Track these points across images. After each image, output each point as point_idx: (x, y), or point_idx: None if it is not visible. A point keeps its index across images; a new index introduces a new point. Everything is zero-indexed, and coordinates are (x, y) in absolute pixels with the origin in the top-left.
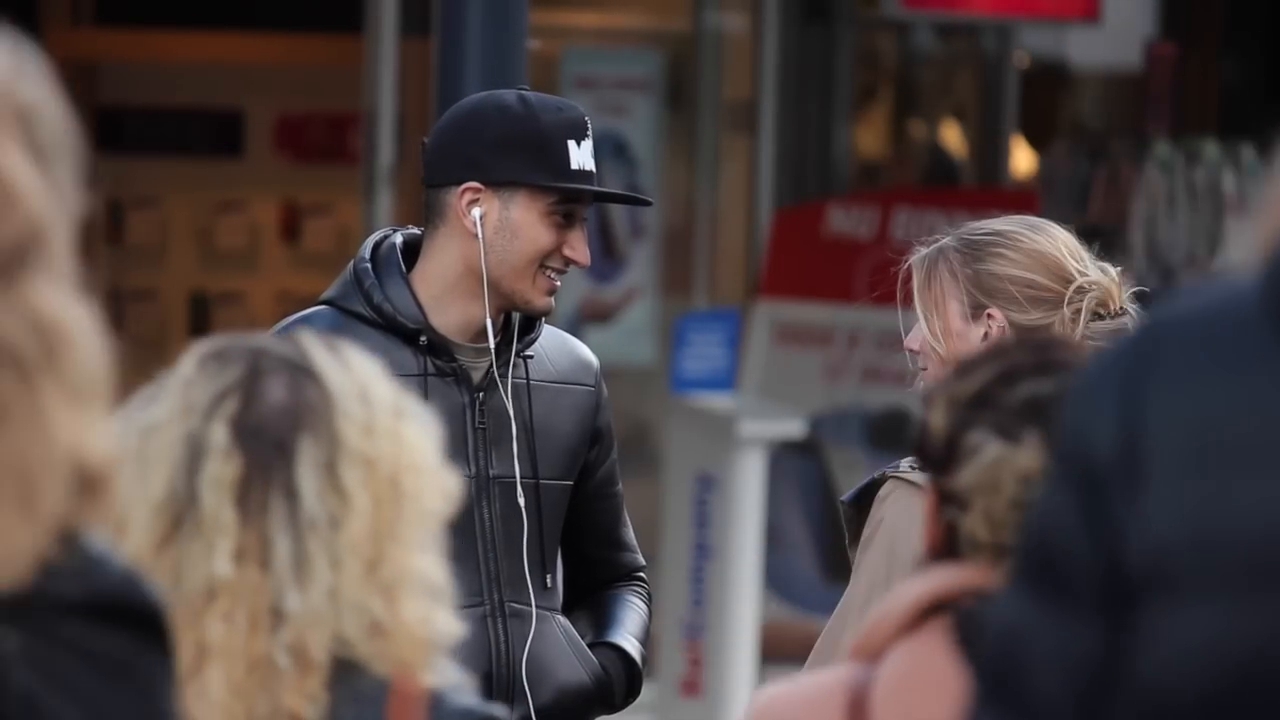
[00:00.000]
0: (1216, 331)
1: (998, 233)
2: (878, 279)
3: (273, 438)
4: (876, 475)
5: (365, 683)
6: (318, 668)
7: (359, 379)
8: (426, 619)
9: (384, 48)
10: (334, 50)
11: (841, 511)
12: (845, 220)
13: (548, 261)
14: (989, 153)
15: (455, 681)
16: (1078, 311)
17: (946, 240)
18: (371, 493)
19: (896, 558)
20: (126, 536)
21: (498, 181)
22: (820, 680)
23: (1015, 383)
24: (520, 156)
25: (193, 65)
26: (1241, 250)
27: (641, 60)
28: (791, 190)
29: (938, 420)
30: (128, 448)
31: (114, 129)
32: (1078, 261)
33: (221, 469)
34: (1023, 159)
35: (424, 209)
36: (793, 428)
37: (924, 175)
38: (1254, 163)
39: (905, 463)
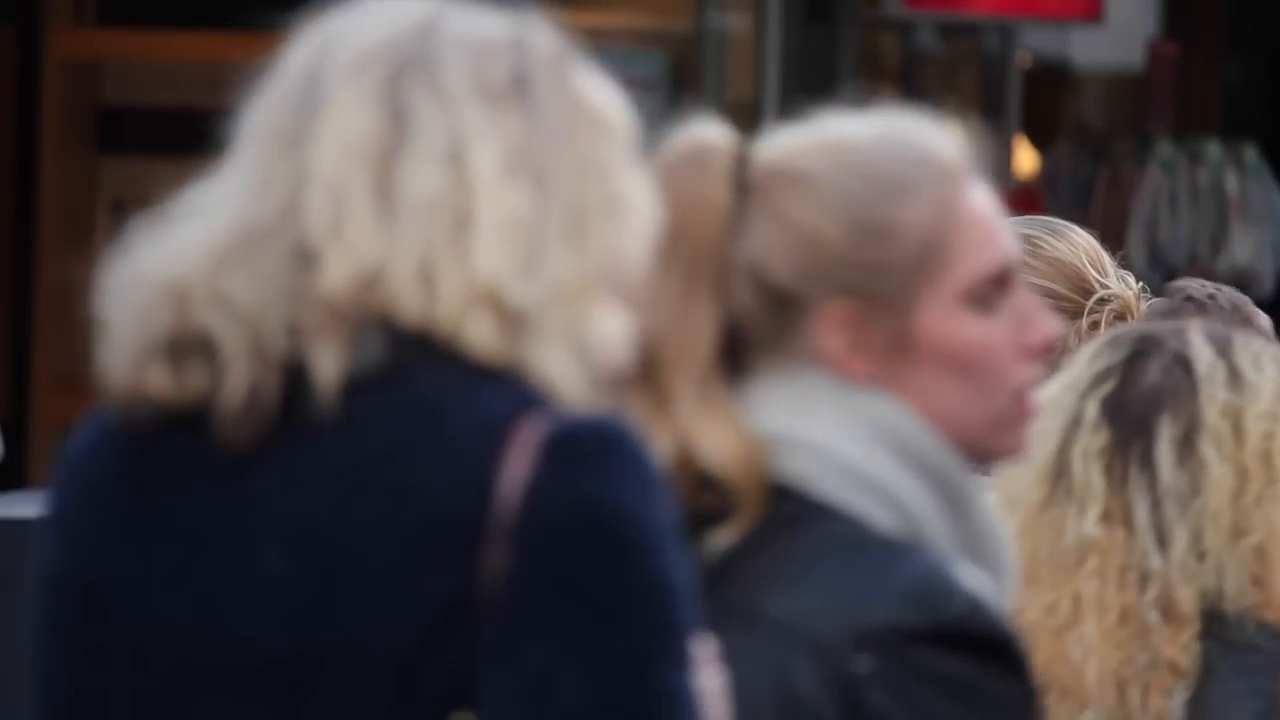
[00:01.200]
0: None
1: (1019, 235)
2: None
3: (1136, 415)
4: None
5: (1246, 632)
6: (1189, 621)
7: (1235, 364)
8: None
9: None
10: None
11: None
12: None
13: None
14: (991, 152)
15: None
16: (1095, 324)
17: None
18: (1235, 467)
19: None
20: (1017, 498)
21: None
22: None
23: None
24: None
25: (196, 65)
26: (1243, 250)
27: (644, 60)
28: None
29: None
30: None
31: (116, 129)
32: (1099, 271)
33: (1090, 441)
34: (1025, 159)
35: None
36: None
37: None
38: (1256, 163)
39: None
